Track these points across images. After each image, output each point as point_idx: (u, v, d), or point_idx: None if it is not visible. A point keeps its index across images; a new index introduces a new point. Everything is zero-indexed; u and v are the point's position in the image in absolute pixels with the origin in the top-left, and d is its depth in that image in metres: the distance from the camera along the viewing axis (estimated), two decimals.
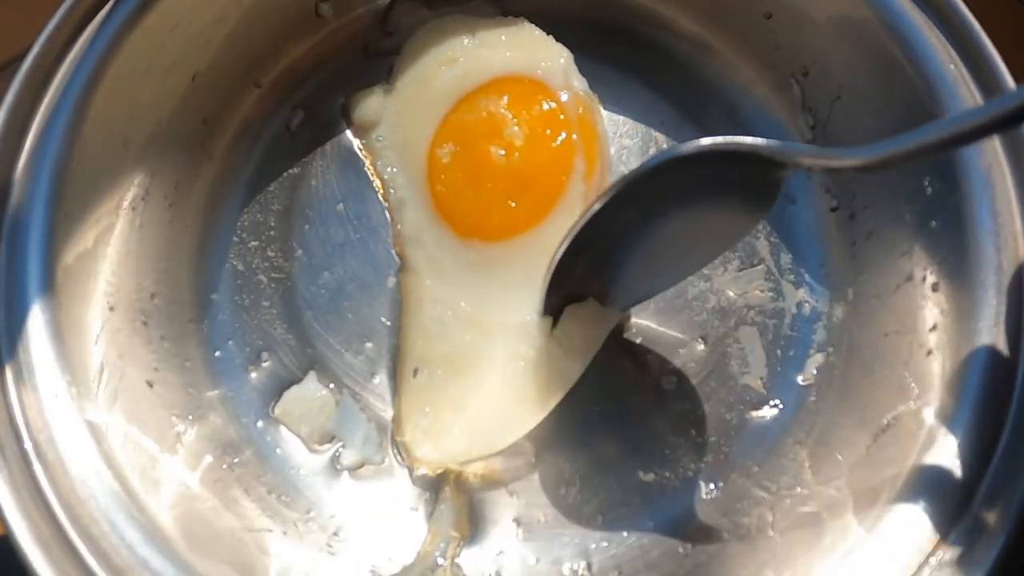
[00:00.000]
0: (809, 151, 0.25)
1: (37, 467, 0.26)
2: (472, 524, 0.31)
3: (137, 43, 0.31)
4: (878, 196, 0.33)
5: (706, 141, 0.25)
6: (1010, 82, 0.29)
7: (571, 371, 0.31)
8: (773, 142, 0.25)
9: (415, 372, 0.32)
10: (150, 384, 0.30)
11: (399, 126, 0.35)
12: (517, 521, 0.31)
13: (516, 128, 0.32)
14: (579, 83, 0.34)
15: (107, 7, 0.31)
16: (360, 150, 0.36)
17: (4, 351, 0.27)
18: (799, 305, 0.34)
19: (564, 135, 0.32)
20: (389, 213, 0.35)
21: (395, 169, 0.35)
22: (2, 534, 0.25)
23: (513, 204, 0.32)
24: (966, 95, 0.30)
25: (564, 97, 0.33)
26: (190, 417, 0.31)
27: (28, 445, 0.26)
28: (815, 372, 0.33)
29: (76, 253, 0.29)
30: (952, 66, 0.30)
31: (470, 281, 0.32)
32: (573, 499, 0.31)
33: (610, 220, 0.27)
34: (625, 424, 0.32)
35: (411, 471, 0.31)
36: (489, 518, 0.31)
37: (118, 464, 0.27)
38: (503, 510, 0.31)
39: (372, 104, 0.36)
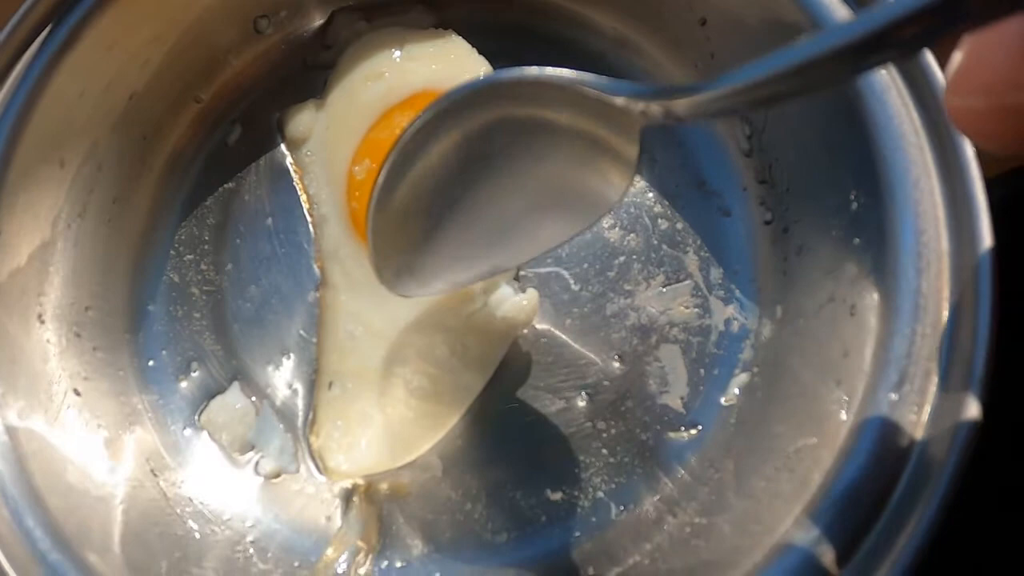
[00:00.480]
0: (649, 94, 0.20)
1: None
2: (380, 537, 0.31)
3: (73, 65, 0.32)
4: (809, 208, 0.32)
5: (531, 71, 0.22)
6: (940, 88, 0.28)
7: (473, 384, 0.31)
8: (605, 81, 0.21)
9: (330, 385, 0.33)
10: (77, 392, 0.32)
11: (326, 142, 0.36)
12: (423, 535, 0.31)
13: None
14: None
15: (44, 32, 0.32)
16: (291, 165, 0.37)
17: None
18: (727, 322, 0.33)
19: None
20: (313, 229, 0.35)
21: (319, 186, 0.35)
22: None
23: None
24: (897, 103, 0.28)
25: None
26: (118, 426, 0.33)
27: None
28: (737, 392, 0.32)
29: (8, 270, 0.31)
30: (883, 72, 0.29)
31: (381, 297, 0.32)
32: (479, 515, 0.31)
33: (428, 162, 0.24)
34: (535, 441, 0.32)
35: (327, 480, 0.32)
36: (396, 531, 0.31)
37: (33, 468, 0.28)
38: (410, 523, 0.31)
39: (304, 119, 0.36)
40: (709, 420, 0.32)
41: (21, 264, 0.31)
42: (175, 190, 0.37)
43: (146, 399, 0.34)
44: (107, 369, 0.34)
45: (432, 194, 0.26)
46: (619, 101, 0.21)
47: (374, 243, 0.26)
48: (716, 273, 0.34)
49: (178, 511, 0.32)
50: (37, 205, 0.32)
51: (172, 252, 0.36)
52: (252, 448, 0.33)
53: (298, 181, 0.36)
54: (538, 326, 0.33)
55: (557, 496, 0.31)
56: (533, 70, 0.22)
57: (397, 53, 0.36)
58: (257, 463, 0.33)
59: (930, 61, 0.28)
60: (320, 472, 0.32)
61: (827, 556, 0.23)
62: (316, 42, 0.39)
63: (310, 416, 0.33)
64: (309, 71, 0.38)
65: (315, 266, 0.35)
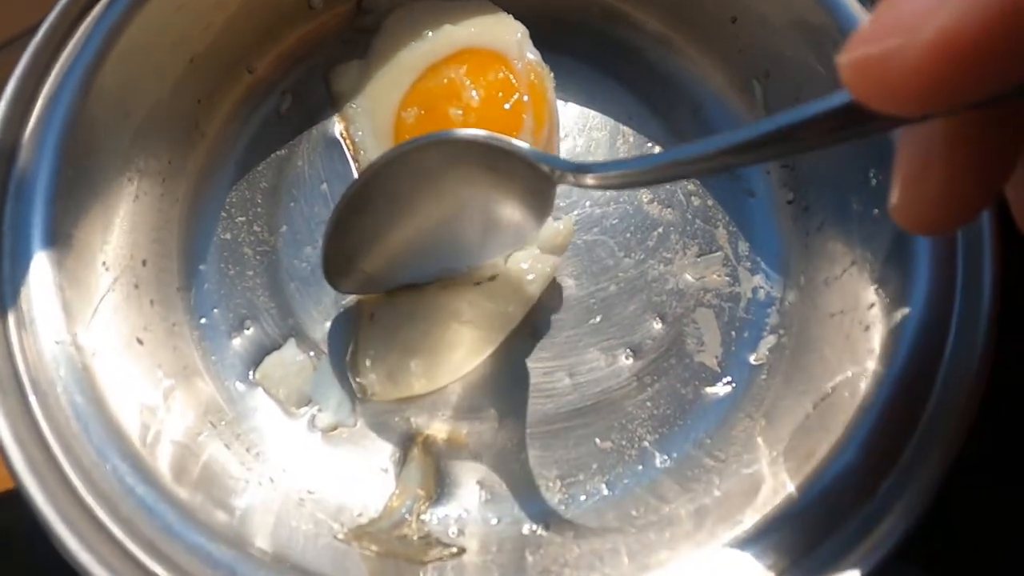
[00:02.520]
0: (566, 167, 0.27)
1: (34, 403, 0.28)
2: (438, 485, 0.33)
3: (143, 21, 0.33)
4: (829, 189, 0.35)
5: (482, 133, 0.28)
6: None
7: (515, 313, 0.34)
8: (537, 152, 0.28)
9: (371, 316, 0.34)
10: (140, 341, 0.32)
11: (371, 95, 0.38)
12: (480, 484, 0.33)
13: (473, 92, 0.35)
14: (532, 55, 0.37)
15: None
16: (336, 118, 0.38)
17: (7, 299, 0.29)
18: (754, 290, 0.36)
19: (516, 97, 0.35)
20: (357, 173, 0.37)
21: (364, 134, 0.37)
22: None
23: None
24: None
25: (518, 66, 0.36)
26: (176, 376, 0.33)
27: (27, 384, 0.27)
28: (767, 352, 0.35)
29: (77, 215, 0.31)
30: None
31: None
32: (533, 464, 0.33)
33: (387, 186, 0.30)
34: (585, 395, 0.34)
35: (373, 400, 0.34)
36: (454, 480, 0.33)
37: (109, 404, 0.29)
38: (468, 473, 0.33)
39: (349, 76, 0.39)
40: (741, 377, 0.35)
41: (87, 211, 0.32)
42: (226, 155, 0.38)
43: (200, 354, 0.35)
44: (163, 323, 0.34)
45: (390, 211, 0.31)
46: (544, 168, 0.28)
47: (329, 247, 0.32)
48: (744, 246, 0.37)
49: (237, 460, 0.32)
50: (103, 155, 0.33)
51: (223, 214, 0.37)
52: (309, 402, 0.34)
53: (343, 131, 0.38)
54: (586, 288, 0.35)
55: (606, 445, 0.33)
56: (484, 133, 0.28)
57: (437, 18, 0.38)
58: (314, 417, 0.34)
59: None
60: (363, 396, 0.33)
61: (864, 470, 0.26)
62: (358, 10, 0.40)
63: (350, 348, 0.34)
64: (353, 42, 0.40)
65: None
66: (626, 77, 0.40)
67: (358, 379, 0.34)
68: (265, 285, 0.36)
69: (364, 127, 0.37)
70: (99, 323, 0.31)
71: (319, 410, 0.34)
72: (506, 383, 0.34)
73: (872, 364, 0.29)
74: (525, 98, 0.35)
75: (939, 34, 0.14)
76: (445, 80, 0.35)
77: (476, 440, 0.33)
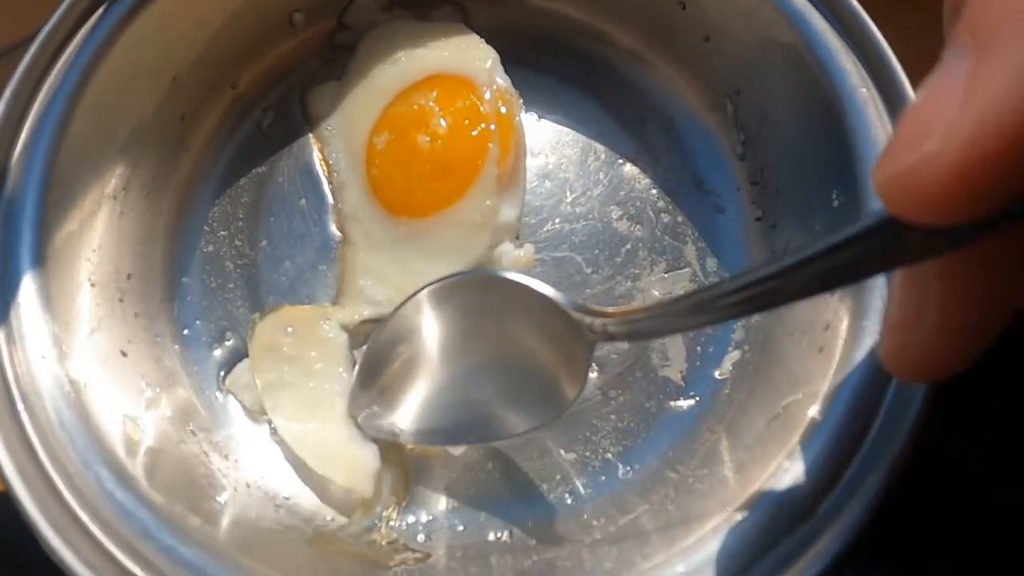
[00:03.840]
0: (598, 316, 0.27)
1: (23, 414, 0.29)
2: (407, 492, 0.34)
3: (126, 45, 0.34)
4: (795, 208, 0.36)
5: (509, 274, 0.29)
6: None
7: None
8: (570, 300, 0.28)
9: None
10: (124, 353, 0.34)
11: (345, 118, 0.39)
12: (448, 492, 0.34)
13: (441, 120, 0.36)
14: (502, 80, 0.38)
15: (101, 8, 0.34)
16: (312, 139, 0.40)
17: None
18: None
19: (482, 126, 0.36)
20: (332, 194, 0.38)
21: (339, 155, 0.38)
22: None
23: (435, 185, 0.36)
24: (874, 117, 0.33)
25: (487, 93, 0.37)
26: (159, 386, 0.34)
27: (16, 397, 0.29)
28: (731, 368, 0.36)
29: (63, 235, 0.33)
30: (864, 89, 0.33)
31: (398, 252, 0.36)
32: (499, 473, 0.34)
33: (418, 328, 0.31)
34: None
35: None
36: (424, 488, 0.34)
37: (93, 415, 0.30)
38: (437, 481, 0.34)
39: (325, 98, 0.40)
40: (706, 391, 0.36)
41: (74, 229, 0.33)
42: (210, 170, 0.39)
43: (183, 364, 0.36)
44: (146, 335, 0.35)
45: (414, 357, 0.32)
46: (575, 315, 0.27)
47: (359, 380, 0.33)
48: (712, 263, 0.38)
49: (214, 467, 0.34)
50: (89, 174, 0.34)
51: (206, 228, 0.38)
52: None
53: (318, 152, 0.39)
54: None
55: (570, 457, 0.35)
56: (517, 276, 0.29)
57: (412, 42, 0.39)
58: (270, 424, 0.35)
59: (903, 80, 0.32)
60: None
61: (807, 489, 0.27)
62: (338, 26, 0.41)
63: None
64: (332, 60, 0.41)
65: (333, 227, 0.38)
66: (600, 93, 0.40)
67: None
68: (245, 297, 0.37)
69: (338, 149, 0.38)
70: (85, 337, 0.32)
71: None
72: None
73: (823, 386, 0.29)
74: (492, 126, 0.35)
75: (965, 144, 0.15)
76: (415, 106, 0.36)
77: (443, 451, 0.35)
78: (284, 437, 0.33)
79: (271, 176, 0.39)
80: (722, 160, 0.39)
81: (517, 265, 0.35)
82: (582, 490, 0.34)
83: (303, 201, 0.39)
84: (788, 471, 0.28)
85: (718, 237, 0.38)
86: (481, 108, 0.36)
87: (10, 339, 0.30)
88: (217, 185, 0.39)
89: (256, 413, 0.35)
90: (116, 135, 0.35)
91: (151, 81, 0.36)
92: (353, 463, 0.32)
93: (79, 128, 0.33)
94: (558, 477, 0.34)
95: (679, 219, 0.39)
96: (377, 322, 0.35)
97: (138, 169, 0.36)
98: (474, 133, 0.35)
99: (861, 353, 0.29)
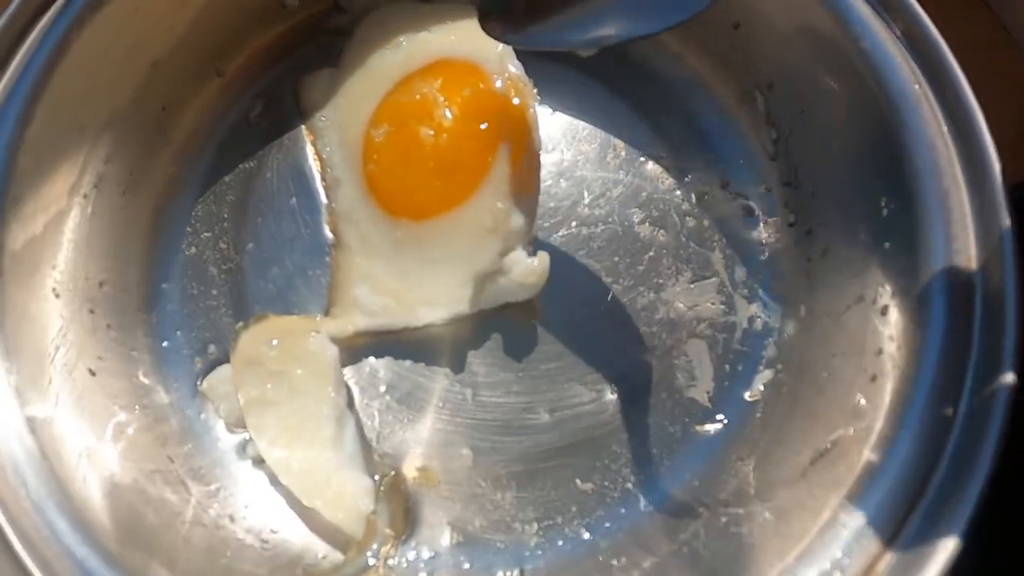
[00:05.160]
0: None
1: None
2: (407, 526, 0.31)
3: (97, 26, 0.31)
4: (835, 213, 0.33)
5: None
6: (973, 104, 0.29)
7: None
8: None
9: None
10: (92, 372, 0.30)
11: (341, 108, 0.35)
12: (452, 525, 0.31)
13: (446, 110, 0.32)
14: (515, 68, 0.34)
15: None
16: (304, 130, 0.36)
17: None
18: (751, 320, 0.34)
19: (492, 119, 0.32)
20: (325, 192, 0.35)
21: (332, 149, 0.35)
22: None
23: (439, 184, 0.32)
24: (929, 115, 0.30)
25: (498, 82, 0.33)
26: (133, 407, 0.31)
27: None
28: (762, 388, 0.33)
29: (24, 239, 0.29)
30: (916, 85, 0.30)
31: (397, 257, 0.33)
32: (509, 505, 0.31)
33: None
34: (565, 432, 0.32)
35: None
36: (425, 521, 0.31)
37: (51, 455, 0.27)
38: (439, 513, 0.31)
39: (319, 85, 0.36)
40: (734, 414, 0.33)
41: (36, 232, 0.30)
42: (193, 165, 0.36)
43: (160, 380, 0.33)
44: (120, 349, 0.32)
45: None
46: None
47: None
48: (740, 271, 0.35)
49: (193, 500, 0.30)
50: (55, 171, 0.31)
51: (189, 229, 0.35)
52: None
53: (311, 146, 0.36)
54: (569, 317, 0.33)
55: (587, 487, 0.31)
56: None
57: (414, 24, 0.35)
58: (246, 443, 0.32)
59: (959, 76, 0.29)
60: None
61: (876, 535, 0.24)
62: (334, 8, 0.38)
63: None
64: (327, 46, 0.37)
65: (326, 228, 0.34)
66: (618, 83, 0.37)
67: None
68: (229, 305, 0.34)
69: (332, 141, 0.35)
70: (46, 357, 0.29)
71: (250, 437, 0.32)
72: (481, 419, 0.32)
73: (877, 422, 0.26)
74: (502, 120, 0.32)
75: None
76: (417, 95, 0.32)
77: (449, 479, 0.31)
78: (267, 462, 0.30)
79: (259, 172, 0.36)
80: (751, 159, 0.36)
81: (529, 277, 0.31)
82: (601, 523, 0.31)
83: (293, 200, 0.35)
84: (847, 525, 0.25)
85: (747, 243, 0.35)
86: (491, 98, 0.32)
87: None
88: (201, 182, 0.36)
89: (230, 424, 0.32)
90: (86, 126, 0.32)
91: (126, 66, 0.33)
92: (343, 497, 0.29)
93: (44, 118, 0.30)
94: (574, 509, 0.31)
95: (705, 223, 0.35)
96: (372, 335, 0.32)
97: (112, 164, 0.33)
98: (483, 126, 0.32)
99: (922, 386, 0.26)
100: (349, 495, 0.29)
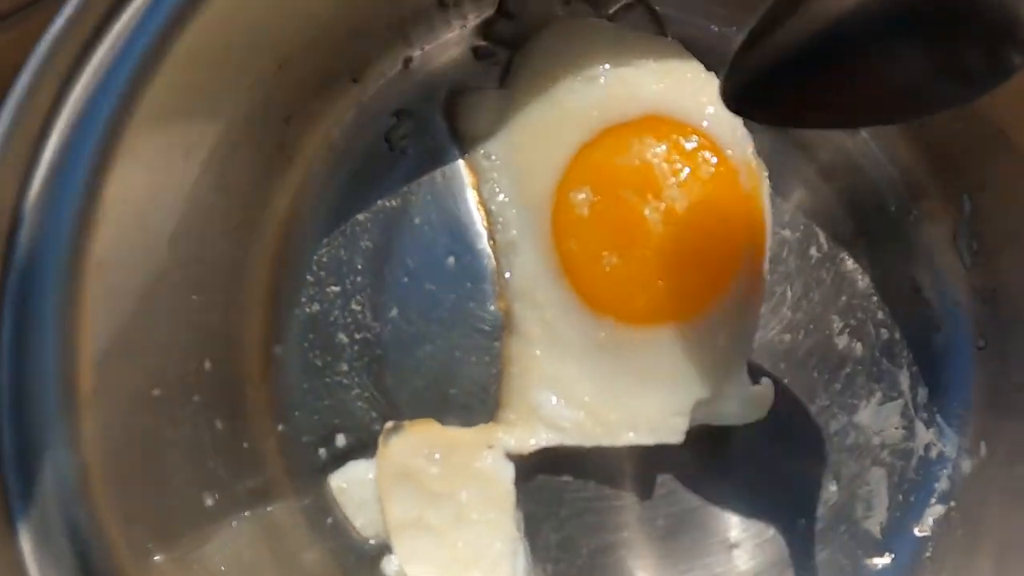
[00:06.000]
0: None
1: None
2: None
3: (212, 16, 0.22)
4: None
5: None
6: None
7: None
8: None
9: None
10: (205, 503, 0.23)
11: (515, 147, 0.28)
12: None
13: (678, 189, 0.26)
14: (747, 143, 0.28)
15: None
16: (463, 166, 0.29)
17: (15, 504, 0.19)
18: (927, 447, 0.32)
19: (734, 213, 0.27)
20: (493, 253, 0.28)
21: (506, 201, 0.28)
22: None
23: (668, 287, 0.26)
24: None
25: (732, 158, 0.27)
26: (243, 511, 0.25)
27: None
28: (931, 523, 0.31)
29: (115, 326, 0.21)
30: None
31: (594, 365, 0.27)
32: None
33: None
34: (748, 565, 0.29)
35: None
36: None
37: None
38: None
39: (483, 111, 0.29)
40: (903, 550, 0.31)
41: (132, 310, 0.22)
42: (319, 195, 0.28)
43: (273, 478, 0.26)
44: (230, 445, 0.25)
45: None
46: None
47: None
48: (923, 393, 0.32)
49: None
50: (151, 213, 0.23)
51: (310, 278, 0.28)
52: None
53: (472, 187, 0.29)
54: (765, 440, 0.29)
55: None
56: None
57: (611, 55, 0.29)
58: (387, 559, 0.26)
59: None
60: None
61: None
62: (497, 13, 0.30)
63: None
64: (489, 60, 0.30)
65: (495, 306, 0.28)
66: (817, 158, 0.32)
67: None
68: (365, 387, 0.28)
69: (504, 189, 0.28)
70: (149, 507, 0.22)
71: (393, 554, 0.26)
72: (663, 549, 0.28)
73: None
74: (745, 213, 0.27)
75: None
76: (635, 160, 0.26)
77: None
78: None
79: (404, 214, 0.29)
80: (946, 268, 0.33)
81: (755, 411, 0.27)
82: None
83: (452, 260, 0.29)
84: None
85: (932, 361, 0.32)
86: (733, 186, 0.26)
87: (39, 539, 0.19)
88: (328, 219, 0.28)
89: (363, 533, 0.26)
90: (193, 145, 0.24)
91: (247, 65, 0.25)
92: None
93: (140, 130, 0.21)
94: None
95: (896, 335, 0.32)
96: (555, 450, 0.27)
97: (222, 194, 0.25)
98: (726, 219, 0.26)
99: None
100: None
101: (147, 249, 0.23)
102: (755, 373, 0.28)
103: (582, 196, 0.27)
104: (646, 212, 0.26)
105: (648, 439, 0.27)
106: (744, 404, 0.27)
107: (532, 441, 0.26)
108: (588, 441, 0.27)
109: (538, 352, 0.27)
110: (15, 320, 0.20)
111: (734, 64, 0.21)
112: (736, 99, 0.22)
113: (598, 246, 0.26)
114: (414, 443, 0.26)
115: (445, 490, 0.25)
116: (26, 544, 0.19)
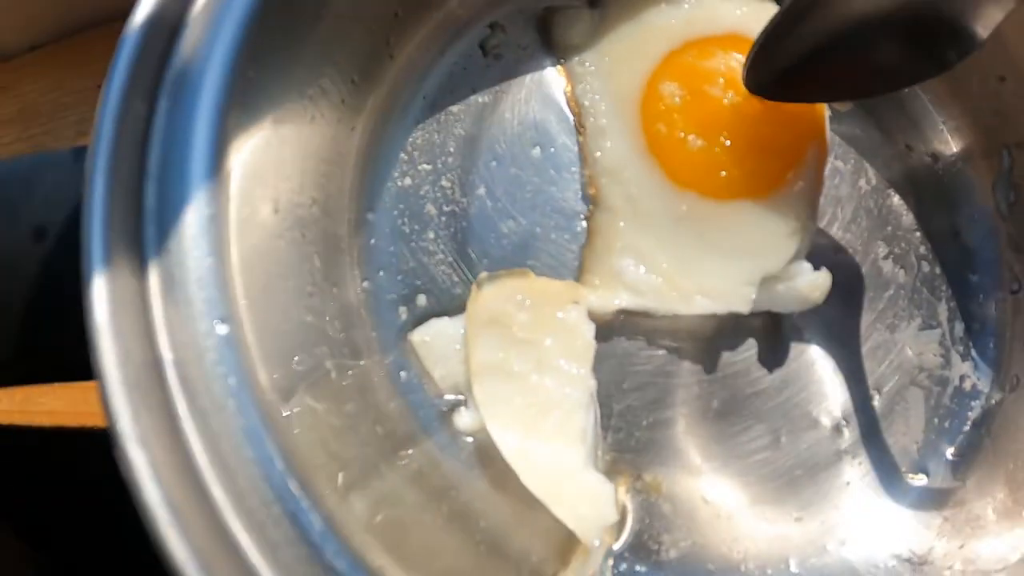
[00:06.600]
0: None
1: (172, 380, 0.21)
2: (619, 533, 0.28)
3: None
4: None
5: None
6: None
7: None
8: None
9: None
10: (303, 308, 0.25)
11: (608, 55, 0.31)
12: (669, 541, 0.29)
13: None
14: None
15: None
16: (558, 69, 0.32)
17: (150, 249, 0.21)
18: (962, 378, 0.33)
19: (801, 110, 0.30)
20: (582, 141, 0.31)
21: (598, 97, 0.31)
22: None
23: (751, 165, 0.29)
24: None
25: None
26: (330, 347, 0.26)
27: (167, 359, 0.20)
28: (964, 449, 0.32)
29: (251, 133, 0.24)
30: None
31: (674, 235, 0.29)
32: (726, 533, 0.29)
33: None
34: (786, 466, 0.30)
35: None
36: (640, 532, 0.28)
37: (258, 383, 0.22)
38: (656, 525, 0.29)
39: (579, 27, 0.32)
40: (937, 469, 0.32)
41: (264, 129, 0.24)
42: (417, 86, 0.31)
43: (357, 326, 0.28)
44: (324, 283, 0.27)
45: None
46: None
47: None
48: (959, 327, 0.34)
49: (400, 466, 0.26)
50: (287, 60, 0.25)
51: (403, 156, 0.30)
52: (459, 393, 0.28)
53: (567, 90, 0.31)
54: (815, 343, 0.31)
55: (800, 525, 0.30)
56: None
57: None
58: (457, 410, 0.28)
59: None
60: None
61: None
62: None
63: None
64: None
65: (577, 186, 0.30)
66: (871, 105, 0.35)
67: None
68: (449, 252, 0.29)
69: (597, 89, 0.31)
70: (260, 288, 0.23)
71: (466, 406, 0.28)
72: (717, 431, 0.30)
73: None
74: (812, 110, 0.29)
75: None
76: (721, 64, 0.29)
77: (671, 492, 0.29)
78: (500, 449, 0.26)
79: (495, 109, 0.31)
80: (983, 216, 0.35)
81: (814, 292, 0.29)
82: (812, 567, 0.29)
83: (537, 150, 0.31)
84: None
85: (969, 301, 0.34)
86: None
87: (168, 289, 0.21)
88: (424, 107, 0.31)
89: (441, 388, 0.28)
90: (323, 15, 0.26)
91: None
92: (584, 501, 0.26)
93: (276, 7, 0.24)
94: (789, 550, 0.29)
95: (937, 271, 0.34)
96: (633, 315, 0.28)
97: (336, 68, 0.28)
98: (797, 112, 0.29)
99: None
100: (590, 500, 0.26)
101: (282, 90, 0.25)
102: (814, 263, 0.30)
103: (671, 88, 0.29)
104: (727, 103, 0.28)
105: (718, 306, 0.29)
106: (808, 288, 0.29)
107: (616, 301, 0.28)
108: (664, 305, 0.29)
109: (622, 224, 0.29)
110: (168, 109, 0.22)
111: (752, 64, 0.27)
112: (757, 89, 0.27)
113: (684, 129, 0.29)
114: (507, 289, 0.27)
115: (531, 337, 0.27)
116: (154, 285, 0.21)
